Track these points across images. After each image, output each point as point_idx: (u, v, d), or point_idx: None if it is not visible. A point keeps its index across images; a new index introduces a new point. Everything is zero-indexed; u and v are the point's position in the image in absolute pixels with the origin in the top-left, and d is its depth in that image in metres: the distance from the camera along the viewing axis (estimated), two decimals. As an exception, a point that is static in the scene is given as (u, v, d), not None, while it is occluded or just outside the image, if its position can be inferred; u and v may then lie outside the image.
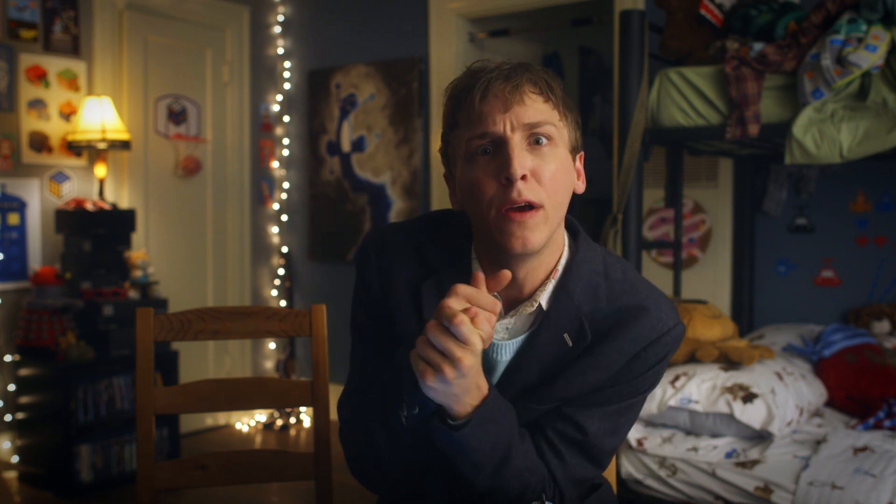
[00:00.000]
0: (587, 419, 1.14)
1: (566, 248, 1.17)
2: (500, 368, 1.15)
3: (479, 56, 4.35)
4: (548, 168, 1.07)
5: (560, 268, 1.15)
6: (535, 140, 1.07)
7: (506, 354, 1.14)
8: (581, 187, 1.16)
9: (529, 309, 1.13)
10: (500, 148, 1.06)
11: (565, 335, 1.11)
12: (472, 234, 1.18)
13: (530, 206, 1.05)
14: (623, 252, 2.83)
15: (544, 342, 1.12)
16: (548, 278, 1.14)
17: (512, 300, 1.14)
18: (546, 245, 1.10)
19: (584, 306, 1.12)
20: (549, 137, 1.08)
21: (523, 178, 1.05)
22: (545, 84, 1.08)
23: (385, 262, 1.19)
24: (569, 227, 1.20)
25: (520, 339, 1.14)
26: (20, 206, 3.74)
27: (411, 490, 1.18)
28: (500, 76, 1.07)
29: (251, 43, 4.74)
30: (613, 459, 1.39)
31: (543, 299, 1.13)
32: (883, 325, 3.32)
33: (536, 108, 1.07)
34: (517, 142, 1.06)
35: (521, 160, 1.05)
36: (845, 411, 3.02)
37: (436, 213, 1.25)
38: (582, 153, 1.16)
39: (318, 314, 1.60)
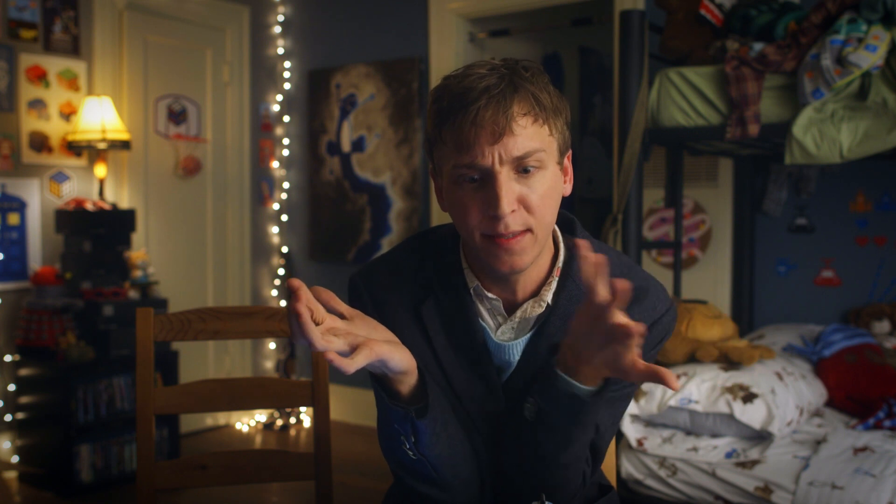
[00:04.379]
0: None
1: (563, 245, 1.17)
2: (512, 366, 1.15)
3: (479, 57, 4.35)
4: (535, 195, 1.05)
5: (560, 265, 1.15)
6: (523, 169, 1.04)
7: (516, 355, 1.15)
8: (568, 189, 1.14)
9: (538, 310, 1.12)
10: (487, 179, 1.04)
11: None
12: (458, 245, 1.17)
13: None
14: (623, 252, 2.83)
15: (553, 331, 1.12)
16: (550, 276, 1.14)
17: (508, 303, 1.14)
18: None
19: None
20: (538, 165, 1.05)
21: (511, 211, 1.04)
22: (533, 100, 1.04)
23: (378, 296, 1.18)
24: (564, 222, 1.20)
25: (527, 336, 1.14)
26: (20, 206, 3.74)
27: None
28: (491, 103, 1.02)
29: (251, 43, 4.74)
30: (613, 459, 1.39)
31: (550, 297, 1.13)
32: (883, 325, 3.31)
33: (526, 136, 1.03)
34: (505, 175, 1.03)
35: (510, 196, 1.03)
36: (845, 411, 3.02)
37: (419, 234, 1.24)
38: (570, 152, 1.14)
39: (318, 314, 1.59)
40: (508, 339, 1.14)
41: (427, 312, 1.15)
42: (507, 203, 1.02)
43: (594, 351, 0.97)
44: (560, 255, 1.16)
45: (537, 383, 1.07)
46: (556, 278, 1.14)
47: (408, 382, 1.04)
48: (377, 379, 1.05)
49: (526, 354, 1.14)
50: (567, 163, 1.13)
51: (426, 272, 1.17)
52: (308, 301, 0.91)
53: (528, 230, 1.05)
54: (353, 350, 0.95)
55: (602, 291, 0.93)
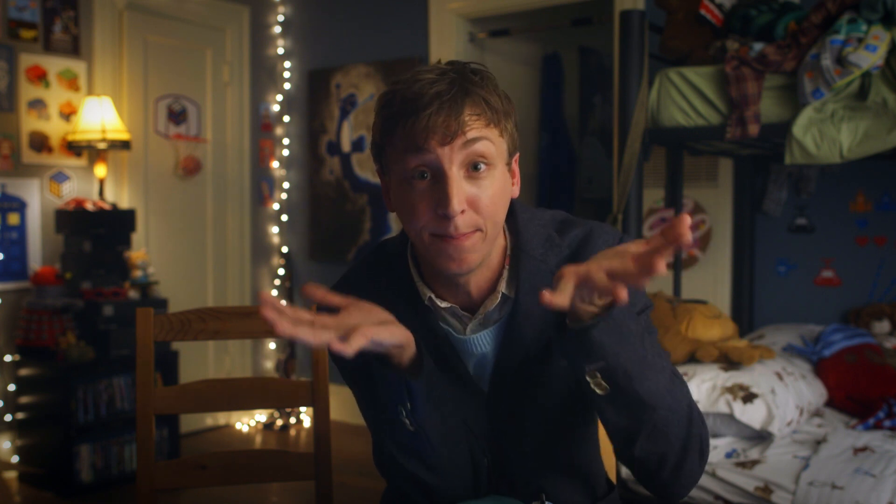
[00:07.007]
0: None
1: (507, 232, 1.17)
2: (489, 359, 1.16)
3: (479, 56, 4.34)
4: (485, 195, 1.06)
5: (509, 252, 1.15)
6: (473, 167, 1.05)
7: (486, 345, 1.15)
8: (516, 191, 1.15)
9: (495, 301, 1.13)
10: (438, 177, 1.04)
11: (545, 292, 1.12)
12: (407, 256, 1.18)
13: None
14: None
15: (527, 307, 1.12)
16: (502, 268, 1.14)
17: (465, 304, 1.15)
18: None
19: (550, 260, 1.13)
20: (488, 164, 1.06)
21: (461, 211, 1.04)
22: (484, 103, 1.05)
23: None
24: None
25: (498, 324, 1.14)
26: (20, 206, 3.74)
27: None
28: (443, 109, 1.02)
29: (251, 43, 4.74)
30: (613, 459, 1.39)
31: (504, 287, 1.13)
32: (883, 325, 3.31)
33: (476, 136, 1.04)
34: (455, 173, 1.04)
35: (460, 195, 1.03)
36: (845, 411, 3.02)
37: (370, 253, 1.24)
38: (517, 154, 1.15)
39: (318, 314, 1.60)
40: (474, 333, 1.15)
41: None
42: (458, 202, 1.03)
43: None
44: (508, 245, 1.16)
45: (580, 365, 1.01)
46: (507, 267, 1.14)
47: (406, 355, 1.05)
48: (376, 357, 1.05)
49: (509, 337, 1.14)
50: (515, 165, 1.14)
51: (382, 290, 1.17)
52: (274, 306, 0.90)
53: (478, 230, 1.06)
54: (346, 337, 0.94)
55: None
